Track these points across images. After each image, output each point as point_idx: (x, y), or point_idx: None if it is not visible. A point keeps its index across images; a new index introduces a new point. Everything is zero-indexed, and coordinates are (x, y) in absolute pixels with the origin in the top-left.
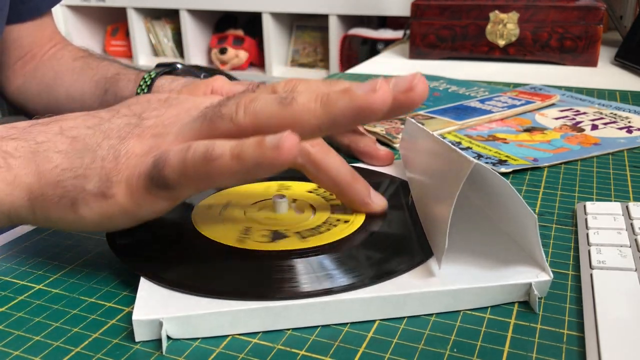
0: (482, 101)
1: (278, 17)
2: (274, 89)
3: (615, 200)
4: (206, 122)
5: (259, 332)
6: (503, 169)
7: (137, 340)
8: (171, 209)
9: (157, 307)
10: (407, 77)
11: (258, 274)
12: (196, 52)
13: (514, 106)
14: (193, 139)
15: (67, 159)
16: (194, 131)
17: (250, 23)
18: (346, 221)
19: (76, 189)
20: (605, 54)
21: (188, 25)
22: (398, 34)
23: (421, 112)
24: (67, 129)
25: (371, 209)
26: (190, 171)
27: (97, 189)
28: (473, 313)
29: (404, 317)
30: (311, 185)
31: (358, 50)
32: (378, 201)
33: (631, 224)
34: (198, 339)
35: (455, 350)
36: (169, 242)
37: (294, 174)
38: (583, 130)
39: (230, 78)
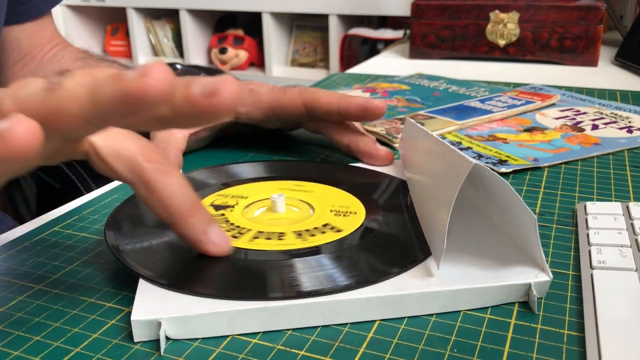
0: (482, 101)
1: (278, 17)
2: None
3: (615, 200)
4: None
5: (258, 332)
6: (503, 169)
7: (136, 340)
8: None
9: (155, 307)
10: (214, 79)
11: (257, 274)
12: (196, 52)
13: (514, 106)
14: None
15: None
16: None
17: (250, 23)
18: (346, 221)
19: None
20: (605, 54)
21: (188, 25)
22: (398, 34)
23: (421, 112)
24: None
25: (205, 249)
26: None
27: None
28: (473, 313)
29: (404, 318)
30: (315, 186)
31: (358, 50)
32: (217, 240)
33: (631, 224)
34: (197, 339)
35: (455, 350)
36: (168, 243)
37: (295, 174)
38: (583, 130)
39: None
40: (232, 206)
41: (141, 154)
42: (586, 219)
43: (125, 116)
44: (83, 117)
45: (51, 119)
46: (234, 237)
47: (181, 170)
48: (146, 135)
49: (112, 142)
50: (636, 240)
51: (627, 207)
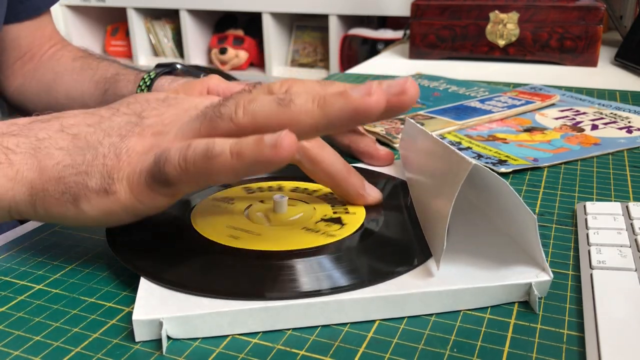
0: (482, 101)
1: (278, 17)
2: (270, 89)
3: (615, 200)
4: (206, 121)
5: (259, 332)
6: (503, 169)
7: (137, 340)
8: (170, 205)
9: (157, 307)
10: (400, 81)
11: (258, 274)
12: (196, 52)
13: (514, 106)
14: (193, 138)
15: (69, 156)
16: (194, 130)
17: (250, 23)
18: (346, 221)
19: (78, 185)
20: (605, 54)
21: (188, 25)
22: (398, 34)
23: (421, 112)
24: (68, 126)
25: (366, 201)
26: (190, 168)
27: (99, 186)
28: (473, 313)
29: (404, 317)
30: (315, 186)
31: (358, 50)
32: (373, 193)
33: (631, 224)
34: (198, 339)
35: (455, 350)
36: (169, 242)
37: (295, 174)
38: (583, 130)
39: (230, 78)
40: (233, 204)
41: None
42: (586, 219)
43: (346, 126)
44: (313, 126)
45: (283, 127)
46: (235, 237)
47: None
48: None
49: None
50: (636, 240)
51: (627, 207)
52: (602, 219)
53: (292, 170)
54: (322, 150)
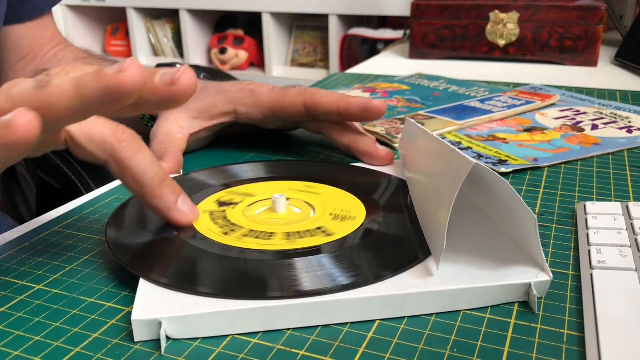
0: (482, 101)
1: (278, 17)
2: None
3: (615, 200)
4: None
5: (259, 332)
6: (503, 169)
7: (136, 340)
8: None
9: (156, 307)
10: (173, 70)
11: (258, 273)
12: (196, 52)
13: (514, 106)
14: None
15: None
16: None
17: (250, 23)
18: (346, 221)
19: None
20: (605, 54)
21: (188, 25)
22: (398, 34)
23: (421, 112)
24: None
25: (175, 219)
26: None
27: None
28: (473, 313)
29: (404, 317)
30: (317, 186)
31: (358, 50)
32: (186, 210)
33: (631, 224)
34: (198, 339)
35: (455, 350)
36: (169, 242)
37: (295, 174)
38: (583, 130)
39: (230, 78)
40: (237, 203)
41: (112, 135)
42: (586, 219)
43: (105, 105)
44: (71, 108)
45: (42, 111)
46: (225, 233)
47: (180, 170)
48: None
49: (86, 127)
50: (636, 240)
51: (627, 207)
52: (603, 219)
53: (293, 171)
54: (135, 154)
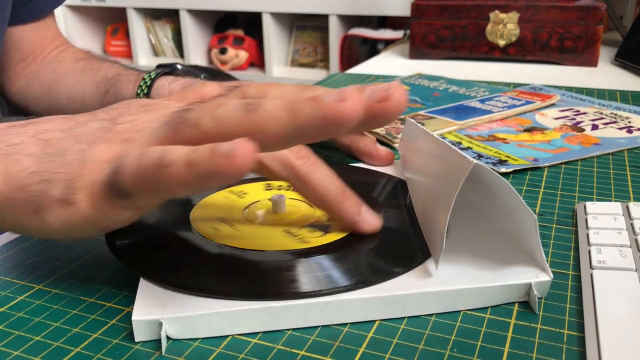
0: (482, 101)
1: (278, 17)
2: (244, 93)
3: (615, 200)
4: (171, 127)
5: (259, 332)
6: (503, 169)
7: (136, 340)
8: (136, 219)
9: (156, 307)
10: (384, 86)
11: (258, 274)
12: (196, 52)
13: (514, 106)
14: (158, 145)
15: (37, 163)
16: (159, 137)
17: (251, 23)
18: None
19: (41, 194)
20: (605, 54)
21: (188, 25)
22: (398, 34)
23: (421, 112)
24: (42, 131)
25: (361, 229)
26: (145, 178)
27: (60, 195)
28: (473, 313)
29: (404, 317)
30: None
31: (358, 50)
32: (370, 220)
33: (631, 224)
34: (198, 339)
35: (455, 350)
36: (169, 243)
37: None
38: (583, 130)
39: (230, 78)
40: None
41: (291, 152)
42: (586, 219)
43: (320, 134)
44: (283, 135)
45: (252, 137)
46: (235, 237)
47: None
48: None
49: None
50: (636, 240)
51: (627, 207)
52: (603, 219)
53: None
54: (314, 169)
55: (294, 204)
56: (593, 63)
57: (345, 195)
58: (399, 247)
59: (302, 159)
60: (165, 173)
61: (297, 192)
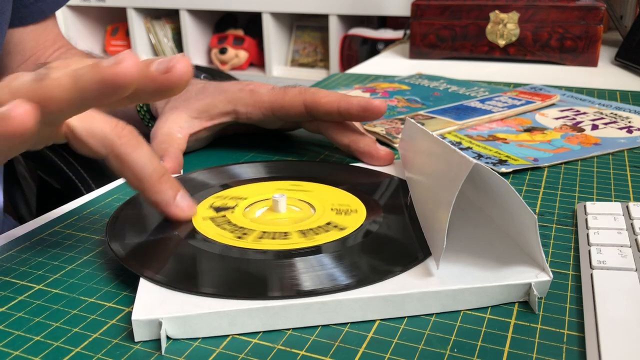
0: (482, 101)
1: (278, 17)
2: (50, 67)
3: (615, 200)
4: None
5: (259, 332)
6: (503, 169)
7: (136, 340)
8: None
9: (156, 307)
10: (167, 58)
11: (258, 273)
12: (196, 52)
13: (514, 106)
14: None
15: None
16: None
17: (250, 23)
18: (346, 221)
19: None
20: (605, 54)
21: (188, 25)
22: (398, 34)
23: (421, 112)
24: None
25: (173, 213)
26: None
27: None
28: (473, 313)
29: (404, 317)
30: (317, 185)
31: (358, 50)
32: (184, 205)
33: (631, 224)
34: (198, 339)
35: (455, 350)
36: (169, 242)
37: (295, 174)
38: (583, 130)
39: (230, 78)
40: (232, 207)
41: (113, 131)
42: (586, 219)
43: (102, 97)
44: (68, 100)
45: (41, 104)
46: (239, 237)
47: (180, 170)
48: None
49: (87, 123)
50: (636, 240)
51: (627, 207)
52: (603, 219)
53: (293, 170)
54: (134, 149)
55: (294, 203)
56: (593, 63)
57: (162, 179)
58: (399, 246)
59: (123, 138)
60: None
61: (115, 171)
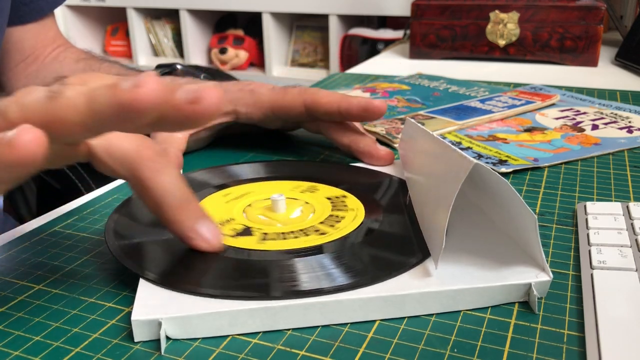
0: (482, 101)
1: (278, 17)
2: (68, 81)
3: (615, 200)
4: None
5: (259, 332)
6: (503, 169)
7: (136, 340)
8: None
9: (156, 307)
10: (196, 87)
11: (257, 273)
12: (196, 52)
13: (514, 106)
14: None
15: None
16: None
17: (251, 23)
18: (346, 221)
19: None
20: (605, 54)
21: (188, 25)
22: (398, 34)
23: (421, 112)
24: None
25: (194, 244)
26: None
27: None
28: (473, 313)
29: (404, 317)
30: (317, 185)
31: (358, 50)
32: (207, 235)
33: (631, 224)
34: (197, 339)
35: (455, 350)
36: (168, 243)
37: (295, 174)
38: (583, 130)
39: (230, 78)
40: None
41: (135, 152)
42: (586, 219)
43: (120, 123)
44: (81, 124)
45: (52, 125)
46: (234, 237)
47: (180, 170)
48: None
49: (106, 142)
50: (636, 240)
51: (627, 207)
52: (603, 219)
53: (293, 170)
54: (158, 174)
55: (294, 203)
56: (593, 63)
57: (182, 206)
58: (399, 246)
59: (145, 160)
60: None
61: (134, 192)
